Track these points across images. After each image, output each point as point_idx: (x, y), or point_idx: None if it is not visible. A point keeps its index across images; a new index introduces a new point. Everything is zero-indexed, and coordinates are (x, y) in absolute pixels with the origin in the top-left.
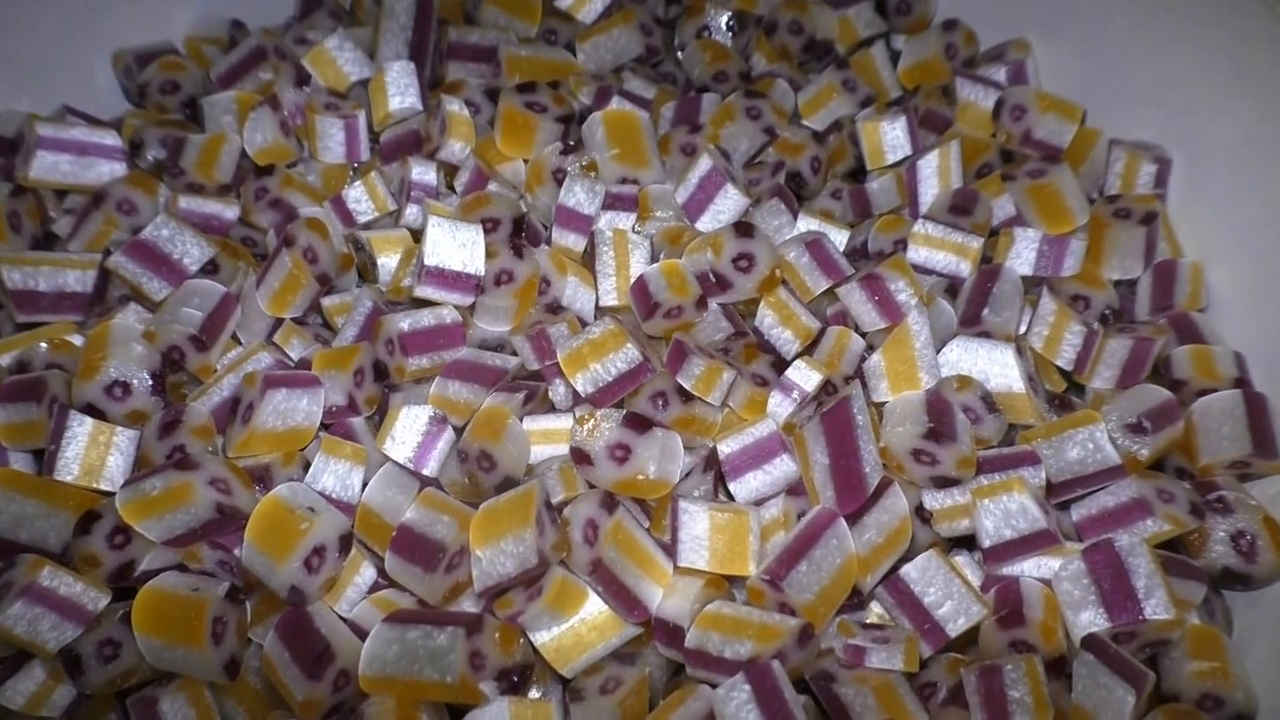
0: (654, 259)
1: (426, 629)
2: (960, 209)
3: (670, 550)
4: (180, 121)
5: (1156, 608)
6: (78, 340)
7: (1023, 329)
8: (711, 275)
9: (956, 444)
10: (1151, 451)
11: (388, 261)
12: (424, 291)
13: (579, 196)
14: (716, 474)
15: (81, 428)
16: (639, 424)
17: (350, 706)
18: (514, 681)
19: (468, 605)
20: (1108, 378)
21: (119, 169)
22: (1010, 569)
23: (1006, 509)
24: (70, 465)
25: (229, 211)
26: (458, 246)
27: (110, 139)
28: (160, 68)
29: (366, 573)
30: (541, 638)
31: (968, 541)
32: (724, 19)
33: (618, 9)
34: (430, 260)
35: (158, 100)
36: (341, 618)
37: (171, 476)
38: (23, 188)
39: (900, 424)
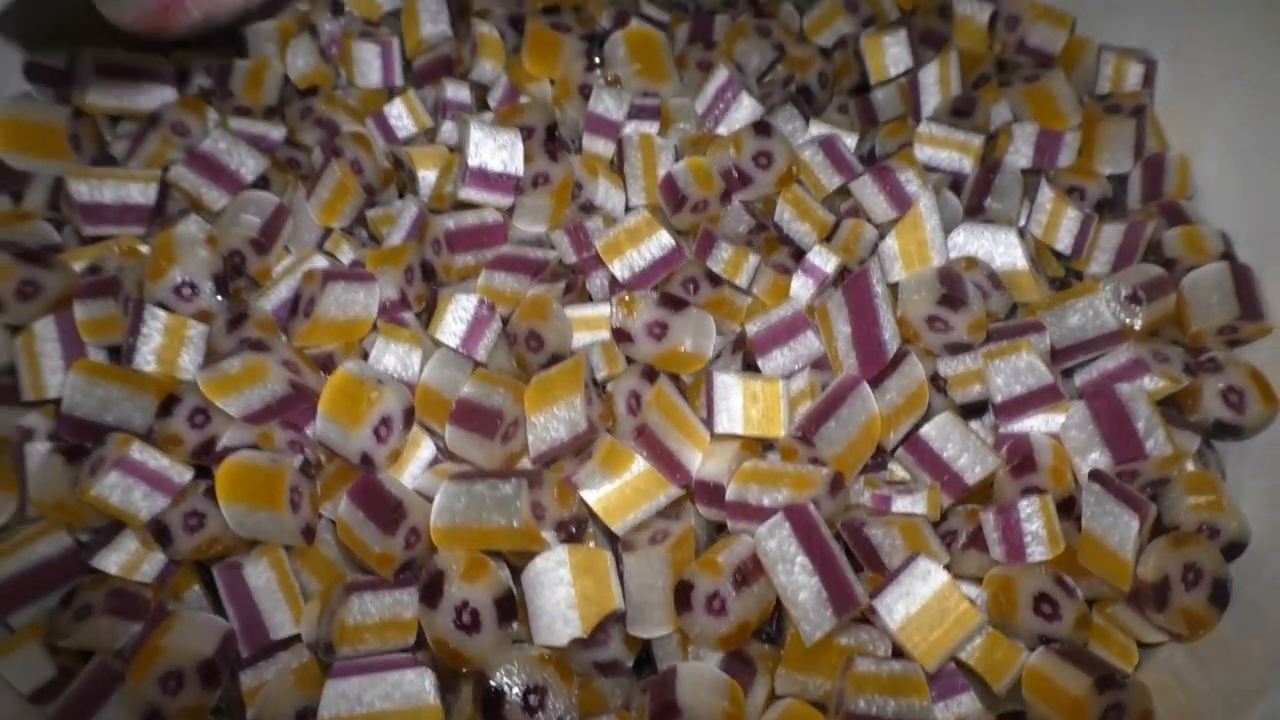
0: (678, 162)
1: (492, 481)
2: (961, 112)
3: (707, 423)
4: (223, 50)
5: (1156, 445)
6: (144, 249)
7: (1023, 221)
8: (734, 171)
9: (969, 307)
10: (1146, 320)
11: (428, 175)
12: (467, 193)
13: (607, 104)
14: (745, 356)
15: (157, 321)
16: (674, 303)
17: (420, 563)
18: (572, 532)
19: None
20: (1104, 262)
21: (170, 94)
22: (1020, 425)
23: (1015, 367)
24: (148, 357)
25: (275, 132)
26: (498, 148)
27: (160, 65)
28: None
29: (426, 449)
30: (593, 496)
31: (978, 412)
32: None
33: None
34: (473, 161)
35: None
36: None
37: (248, 356)
38: (81, 111)
39: (916, 292)
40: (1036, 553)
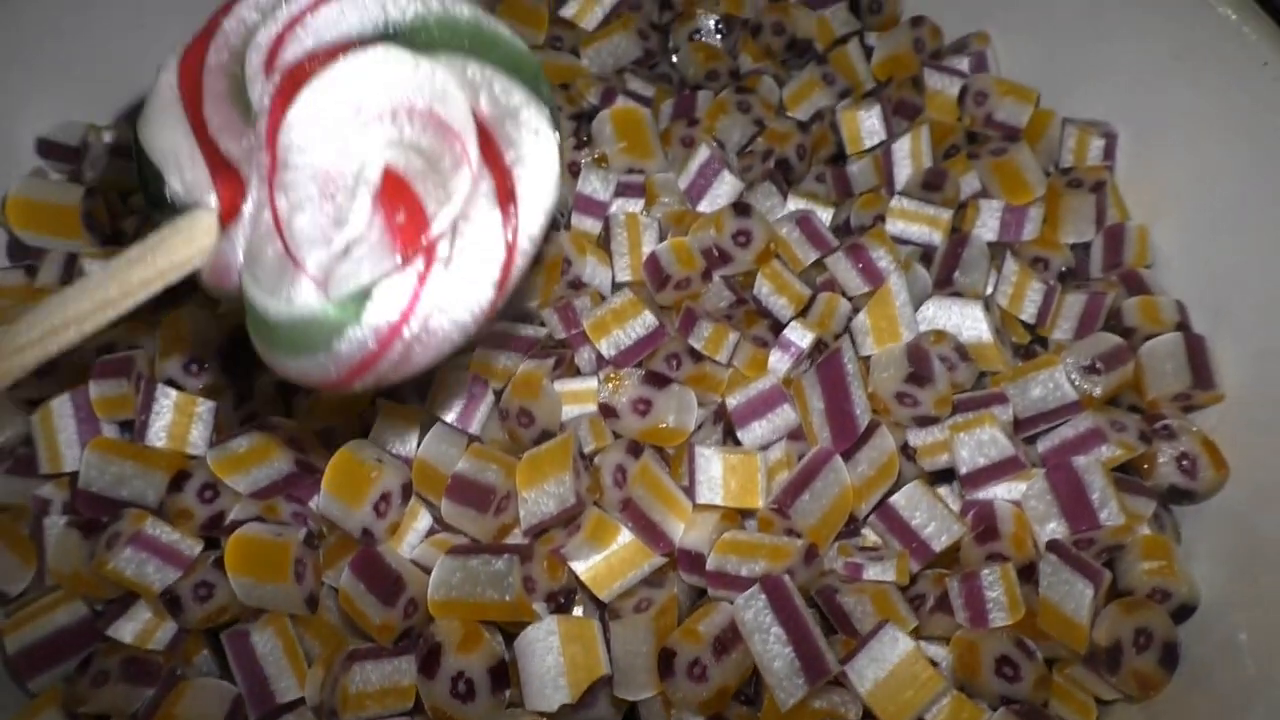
0: (662, 238)
1: (486, 557)
2: (931, 185)
3: (689, 491)
4: None
5: (1109, 516)
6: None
7: (990, 290)
8: (715, 250)
9: (934, 385)
10: (1105, 390)
11: None
12: None
13: (595, 185)
14: (725, 425)
15: (168, 400)
16: (658, 380)
17: (418, 631)
18: (561, 603)
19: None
20: (1066, 329)
21: None
22: (985, 494)
23: (979, 440)
24: (159, 433)
25: None
26: None
27: None
28: None
29: (423, 520)
30: (581, 567)
31: (947, 477)
32: (713, 22)
33: (616, 16)
34: None
35: None
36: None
37: (255, 436)
38: (93, 190)
39: (885, 370)
40: (998, 618)
